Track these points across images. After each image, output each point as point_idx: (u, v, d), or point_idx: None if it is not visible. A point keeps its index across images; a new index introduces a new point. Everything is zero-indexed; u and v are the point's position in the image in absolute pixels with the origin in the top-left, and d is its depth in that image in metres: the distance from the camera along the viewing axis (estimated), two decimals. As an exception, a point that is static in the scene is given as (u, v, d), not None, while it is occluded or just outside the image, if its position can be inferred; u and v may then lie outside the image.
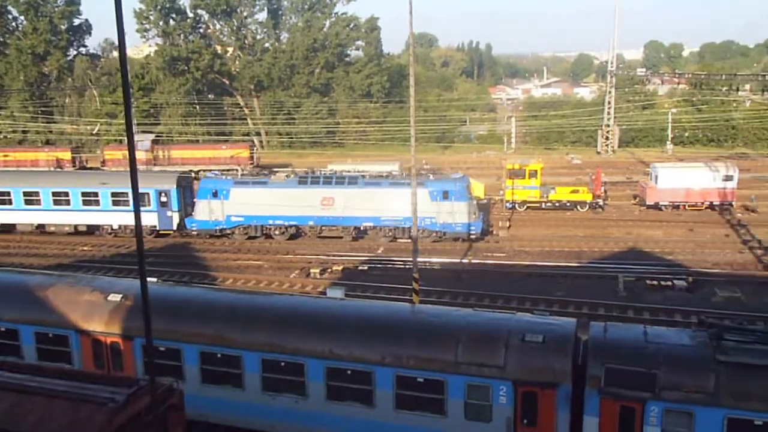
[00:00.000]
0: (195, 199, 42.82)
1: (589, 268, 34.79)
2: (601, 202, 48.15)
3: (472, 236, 39.82)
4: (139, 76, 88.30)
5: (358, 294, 30.10)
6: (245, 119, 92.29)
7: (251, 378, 16.92)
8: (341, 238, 41.34)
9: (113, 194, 42.16)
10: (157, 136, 73.00)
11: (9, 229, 44.61)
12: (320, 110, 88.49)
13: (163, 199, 42.14)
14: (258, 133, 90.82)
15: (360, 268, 35.65)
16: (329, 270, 35.45)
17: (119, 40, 9.13)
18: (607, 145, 76.22)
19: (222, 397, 17.25)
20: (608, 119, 76.02)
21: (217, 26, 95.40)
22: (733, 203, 46.55)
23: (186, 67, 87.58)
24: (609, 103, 75.55)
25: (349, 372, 16.20)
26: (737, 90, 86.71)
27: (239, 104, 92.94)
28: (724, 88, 74.67)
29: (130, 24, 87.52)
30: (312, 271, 35.18)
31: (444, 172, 47.58)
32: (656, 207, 47.45)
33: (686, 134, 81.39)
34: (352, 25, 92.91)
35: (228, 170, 58.22)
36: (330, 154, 78.14)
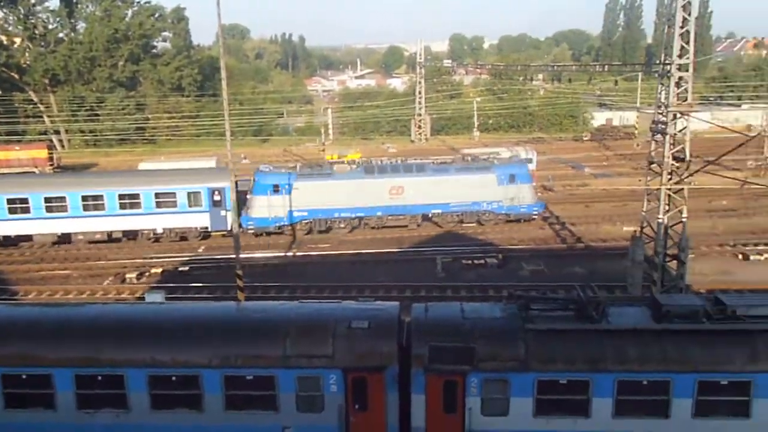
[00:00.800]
0: (249, 195, 39.39)
1: (410, 253, 36.26)
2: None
3: (534, 216, 40.46)
4: None
5: (181, 296, 28.92)
6: (41, 117, 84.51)
7: (64, 397, 15.60)
8: (406, 227, 40.40)
9: (158, 195, 37.85)
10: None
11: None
12: (127, 105, 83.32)
13: (217, 197, 38.34)
14: (57, 132, 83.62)
15: (181, 269, 34.26)
16: (147, 273, 33.69)
17: None
18: (420, 134, 79.59)
19: (31, 422, 15.76)
20: (420, 109, 79.39)
21: (0, 14, 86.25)
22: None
23: (-35, 60, 78.36)
24: (420, 93, 78.89)
25: (174, 378, 15.50)
26: (531, 80, 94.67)
27: (32, 100, 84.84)
28: (521, 78, 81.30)
29: None
30: (128, 276, 33.22)
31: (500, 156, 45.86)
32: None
33: (490, 121, 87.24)
34: (157, 15, 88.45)
35: (24, 173, 53.03)
36: (140, 152, 74.06)
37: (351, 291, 30.01)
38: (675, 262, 25.10)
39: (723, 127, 44.98)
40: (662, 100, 24.78)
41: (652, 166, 25.93)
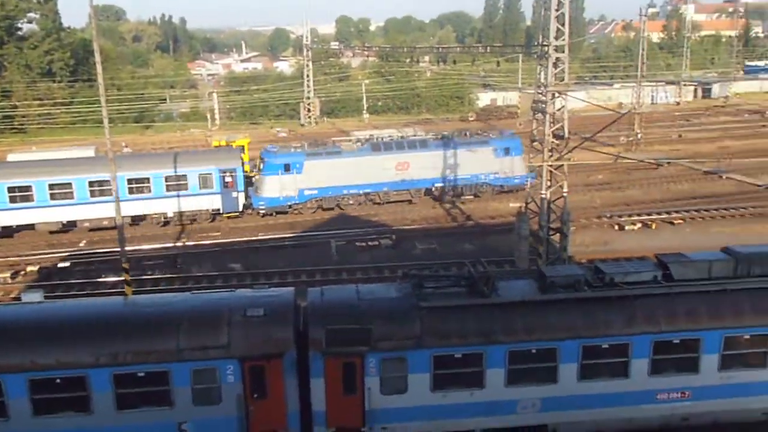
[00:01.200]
0: (260, 176, 39.30)
1: (305, 237, 36.03)
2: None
3: (526, 187, 39.22)
4: None
5: (62, 294, 27.38)
6: None
7: (-67, 410, 14.43)
8: (410, 201, 41.42)
9: (167, 178, 36.86)
10: None
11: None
12: (-10, 92, 77.33)
13: (228, 179, 37.92)
14: None
15: (60, 265, 32.36)
16: (22, 272, 31.60)
17: None
18: (310, 117, 78.99)
19: None
20: (308, 92, 78.70)
21: None
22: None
23: None
24: (308, 76, 78.14)
25: (58, 381, 14.68)
26: (418, 61, 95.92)
27: None
28: (408, 60, 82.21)
29: None
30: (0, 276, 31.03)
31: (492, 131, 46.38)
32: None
33: (379, 103, 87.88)
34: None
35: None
36: (9, 142, 69.10)
37: (245, 279, 29.51)
38: (558, 235, 26.33)
39: (597, 105, 47.58)
40: (541, 80, 25.80)
41: (534, 143, 27.01)
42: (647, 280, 16.78)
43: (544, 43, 24.96)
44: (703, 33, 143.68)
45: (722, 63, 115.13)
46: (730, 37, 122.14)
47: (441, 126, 73.82)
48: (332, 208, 40.82)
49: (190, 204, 38.08)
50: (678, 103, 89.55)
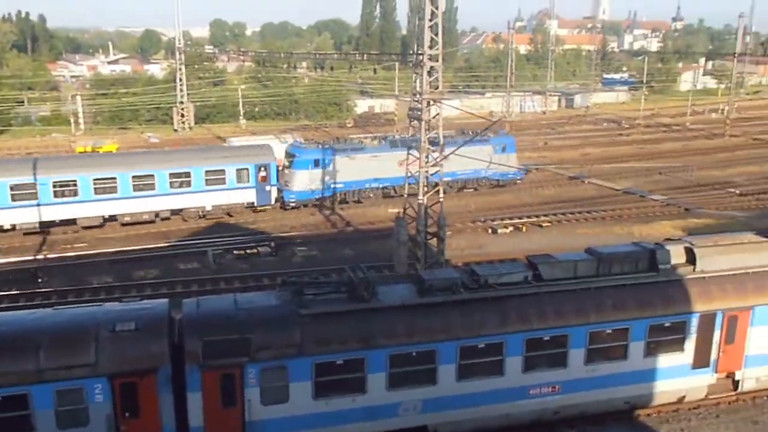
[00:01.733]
0: (289, 170, 40.87)
1: (179, 247, 34.69)
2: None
3: (518, 181, 46.59)
4: None
5: None
6: None
7: None
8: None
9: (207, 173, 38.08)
10: None
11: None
12: None
13: (263, 173, 39.71)
14: None
15: None
16: None
17: None
18: (183, 123, 76.41)
19: None
20: (182, 96, 76.13)
21: None
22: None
23: None
24: (181, 80, 75.57)
25: None
26: (295, 67, 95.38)
27: None
28: (285, 66, 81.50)
29: None
30: None
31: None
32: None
33: (256, 109, 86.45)
34: None
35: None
36: None
37: (114, 292, 27.95)
38: (435, 239, 26.98)
39: (470, 113, 49.29)
40: (417, 88, 26.37)
41: (411, 150, 27.53)
42: (519, 280, 17.52)
43: (419, 52, 25.53)
44: (566, 47, 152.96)
45: (583, 75, 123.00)
46: (589, 51, 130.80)
47: (319, 132, 73.78)
48: (355, 201, 43.18)
49: (228, 198, 39.49)
50: (544, 112, 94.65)
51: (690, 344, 18.35)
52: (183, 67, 76.09)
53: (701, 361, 18.63)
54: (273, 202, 40.76)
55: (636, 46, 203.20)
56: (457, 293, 16.82)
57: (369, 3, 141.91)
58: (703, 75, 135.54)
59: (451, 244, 32.83)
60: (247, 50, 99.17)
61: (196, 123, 78.61)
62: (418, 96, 26.14)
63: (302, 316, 15.67)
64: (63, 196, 36.05)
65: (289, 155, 41.86)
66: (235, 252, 33.41)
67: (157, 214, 38.26)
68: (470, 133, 45.59)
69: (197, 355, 14.79)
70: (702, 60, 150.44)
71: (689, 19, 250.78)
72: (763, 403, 19.82)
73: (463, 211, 41.10)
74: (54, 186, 35.73)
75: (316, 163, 41.13)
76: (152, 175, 37.52)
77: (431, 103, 26.06)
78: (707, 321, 18.27)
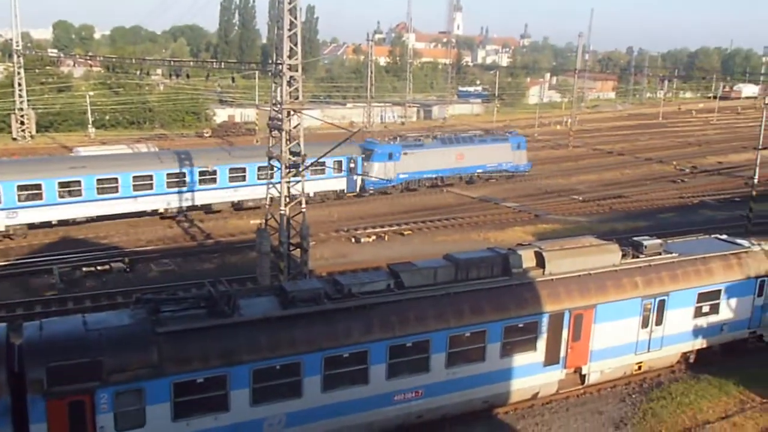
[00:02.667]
0: (368, 163, 47.31)
1: (18, 265, 32.00)
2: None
3: (526, 172, 57.48)
4: None
5: None
6: None
7: None
8: (469, 182, 54.36)
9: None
10: None
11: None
12: None
13: (352, 165, 46.62)
14: None
15: None
16: None
17: None
18: (23, 131, 70.84)
19: None
20: (21, 103, 70.55)
21: None
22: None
23: None
24: (19, 85, 70.05)
25: None
26: (149, 74, 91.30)
27: None
28: (138, 72, 77.68)
29: None
30: None
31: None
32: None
33: (107, 117, 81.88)
34: None
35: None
36: None
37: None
38: (299, 250, 26.77)
39: (331, 123, 49.58)
40: (277, 98, 26.10)
41: (272, 160, 27.19)
42: (381, 288, 17.76)
43: (279, 61, 25.31)
44: (423, 60, 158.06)
45: (440, 87, 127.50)
46: (445, 64, 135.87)
47: (176, 142, 71.20)
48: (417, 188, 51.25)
49: (326, 185, 46.08)
50: (403, 123, 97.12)
51: (541, 343, 19.44)
52: (22, 71, 70.53)
53: (552, 358, 19.78)
54: (357, 189, 48.13)
55: (488, 60, 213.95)
56: (321, 304, 16.76)
57: (227, 10, 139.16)
58: (549, 89, 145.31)
59: (315, 254, 32.77)
60: (95, 54, 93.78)
61: (38, 131, 73.18)
62: (278, 106, 25.88)
63: (159, 335, 14.94)
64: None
65: (368, 150, 48.81)
66: (84, 269, 31.33)
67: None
68: (494, 133, 60.06)
69: (41, 382, 13.67)
70: (547, 75, 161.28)
71: (535, 37, 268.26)
72: (607, 394, 21.38)
73: (326, 221, 41.19)
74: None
75: (389, 156, 49.16)
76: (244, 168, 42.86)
77: (291, 113, 25.90)
78: (556, 320, 19.45)
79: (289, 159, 26.09)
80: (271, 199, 27.97)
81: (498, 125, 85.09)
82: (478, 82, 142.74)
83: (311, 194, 43.52)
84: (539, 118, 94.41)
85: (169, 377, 14.78)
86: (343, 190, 47.34)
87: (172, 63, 61.29)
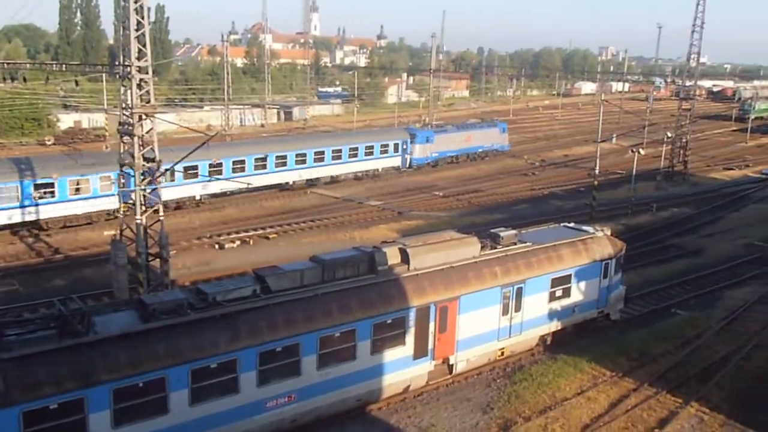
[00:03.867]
0: (412, 144, 60.98)
1: None
2: None
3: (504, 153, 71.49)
4: None
5: None
6: None
7: None
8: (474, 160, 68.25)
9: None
10: None
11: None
12: None
13: (404, 146, 60.27)
14: None
15: None
16: None
17: None
18: None
19: None
20: None
21: None
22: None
23: None
24: None
25: None
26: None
27: None
28: (-33, 76, 70.94)
29: None
30: None
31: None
32: None
33: (-68, 126, 74.14)
34: None
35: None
36: None
37: None
38: (158, 260, 25.59)
39: (188, 127, 47.93)
40: (127, 101, 24.79)
41: (124, 168, 25.81)
42: (248, 295, 17.36)
43: (127, 63, 24.05)
44: (281, 60, 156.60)
45: (299, 89, 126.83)
46: (304, 65, 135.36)
47: (16, 151, 65.84)
48: (434, 166, 63.56)
49: (387, 163, 59.12)
50: (263, 125, 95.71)
51: (410, 337, 19.85)
52: None
53: (421, 351, 20.26)
54: (407, 166, 60.66)
55: (347, 61, 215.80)
56: (184, 315, 16.11)
57: (68, 9, 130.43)
58: (406, 89, 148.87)
59: (177, 263, 31.55)
60: None
61: None
62: (128, 110, 24.60)
63: (4, 361, 13.71)
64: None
65: (412, 135, 61.41)
66: None
67: (334, 178, 55.12)
68: (487, 120, 76.20)
69: None
70: (404, 75, 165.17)
71: (391, 37, 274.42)
72: (474, 381, 22.22)
73: (187, 228, 39.77)
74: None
75: (427, 140, 62.24)
76: (356, 147, 56.17)
77: (143, 117, 24.70)
78: (423, 314, 19.93)
79: (143, 165, 24.87)
80: (127, 207, 26.54)
81: (359, 125, 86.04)
82: (337, 83, 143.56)
83: (379, 169, 58.28)
84: (398, 117, 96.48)
85: (18, 406, 13.60)
86: (399, 166, 60.32)
87: (5, 65, 56.60)
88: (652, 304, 30.00)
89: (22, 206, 37.10)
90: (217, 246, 36.74)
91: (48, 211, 38.09)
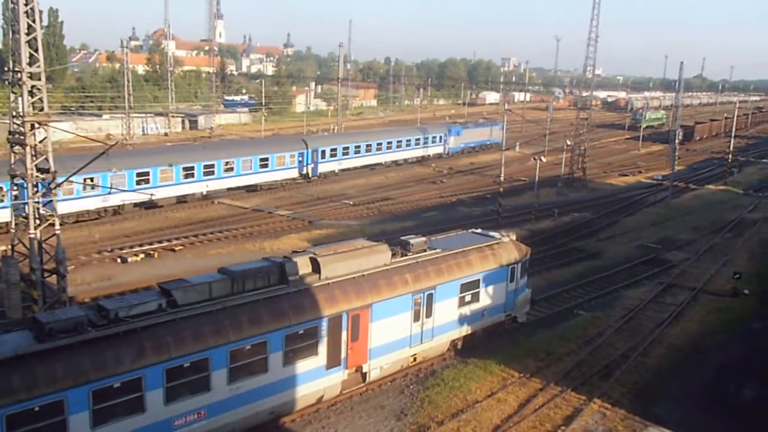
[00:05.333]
0: (447, 136, 77.97)
1: None
2: None
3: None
4: None
5: None
6: None
7: None
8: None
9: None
10: None
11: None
12: None
13: (444, 138, 77.22)
14: None
15: None
16: None
17: None
18: None
19: None
20: None
21: None
22: None
23: None
24: None
25: None
26: None
27: None
28: None
29: None
30: None
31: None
32: None
33: None
34: None
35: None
36: None
37: None
38: (55, 276, 24.25)
39: (85, 137, 45.89)
40: (18, 109, 23.40)
41: (15, 179, 24.34)
42: (152, 309, 16.71)
43: (16, 69, 22.72)
44: (186, 68, 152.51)
45: (205, 97, 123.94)
46: (209, 73, 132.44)
47: None
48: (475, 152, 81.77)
49: (431, 151, 75.27)
50: (167, 134, 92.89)
51: (323, 347, 19.68)
52: None
53: (333, 360, 20.12)
54: (447, 153, 77.29)
55: (253, 69, 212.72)
56: (84, 333, 15.31)
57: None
58: (315, 98, 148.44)
59: (76, 279, 30.08)
60: None
61: None
62: (19, 118, 23.22)
63: None
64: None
65: (448, 129, 78.92)
66: None
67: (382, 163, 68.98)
68: (489, 119, 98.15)
69: None
70: (312, 84, 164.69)
71: (299, 46, 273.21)
72: (388, 388, 22.28)
73: (86, 242, 37.99)
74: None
75: (458, 133, 79.56)
76: (391, 141, 70.12)
77: (36, 126, 23.40)
78: (335, 323, 19.81)
79: (37, 176, 23.53)
80: (17, 222, 25.01)
81: (267, 134, 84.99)
82: (244, 91, 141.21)
83: (422, 156, 73.90)
84: (307, 125, 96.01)
85: None
86: (440, 154, 76.58)
87: None
88: (557, 305, 31.12)
89: None
90: (119, 260, 35.25)
91: None
